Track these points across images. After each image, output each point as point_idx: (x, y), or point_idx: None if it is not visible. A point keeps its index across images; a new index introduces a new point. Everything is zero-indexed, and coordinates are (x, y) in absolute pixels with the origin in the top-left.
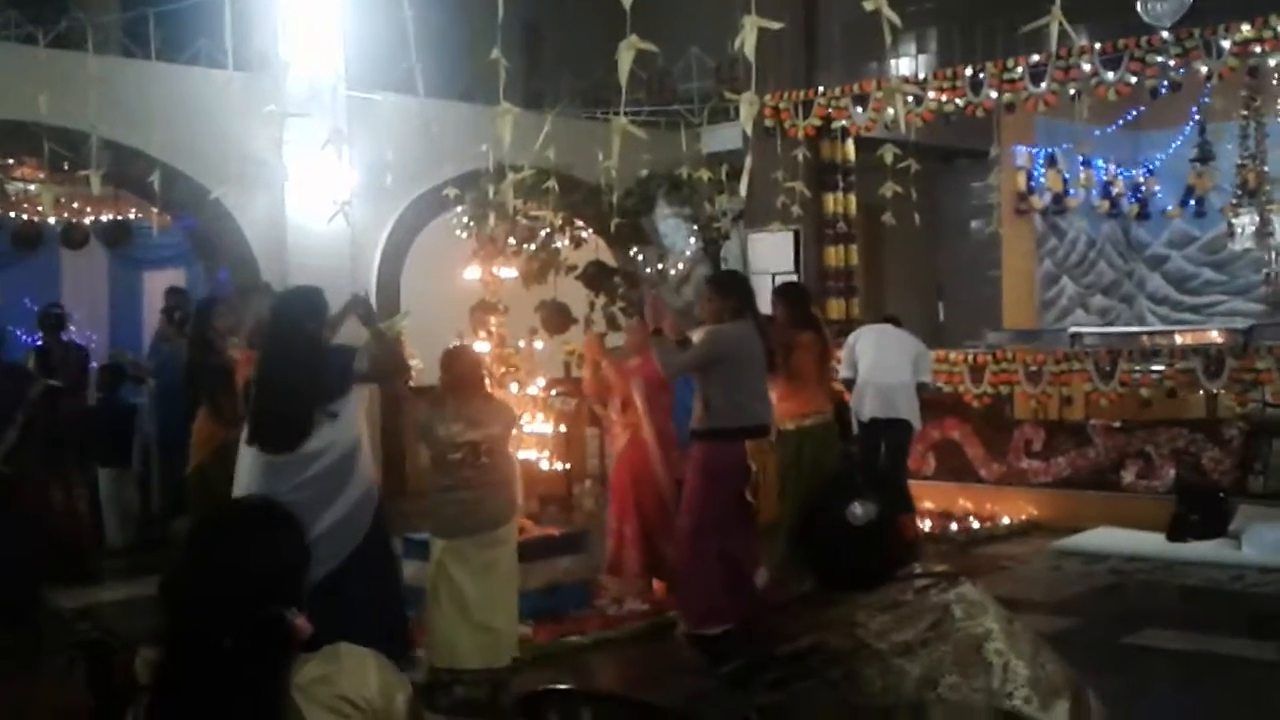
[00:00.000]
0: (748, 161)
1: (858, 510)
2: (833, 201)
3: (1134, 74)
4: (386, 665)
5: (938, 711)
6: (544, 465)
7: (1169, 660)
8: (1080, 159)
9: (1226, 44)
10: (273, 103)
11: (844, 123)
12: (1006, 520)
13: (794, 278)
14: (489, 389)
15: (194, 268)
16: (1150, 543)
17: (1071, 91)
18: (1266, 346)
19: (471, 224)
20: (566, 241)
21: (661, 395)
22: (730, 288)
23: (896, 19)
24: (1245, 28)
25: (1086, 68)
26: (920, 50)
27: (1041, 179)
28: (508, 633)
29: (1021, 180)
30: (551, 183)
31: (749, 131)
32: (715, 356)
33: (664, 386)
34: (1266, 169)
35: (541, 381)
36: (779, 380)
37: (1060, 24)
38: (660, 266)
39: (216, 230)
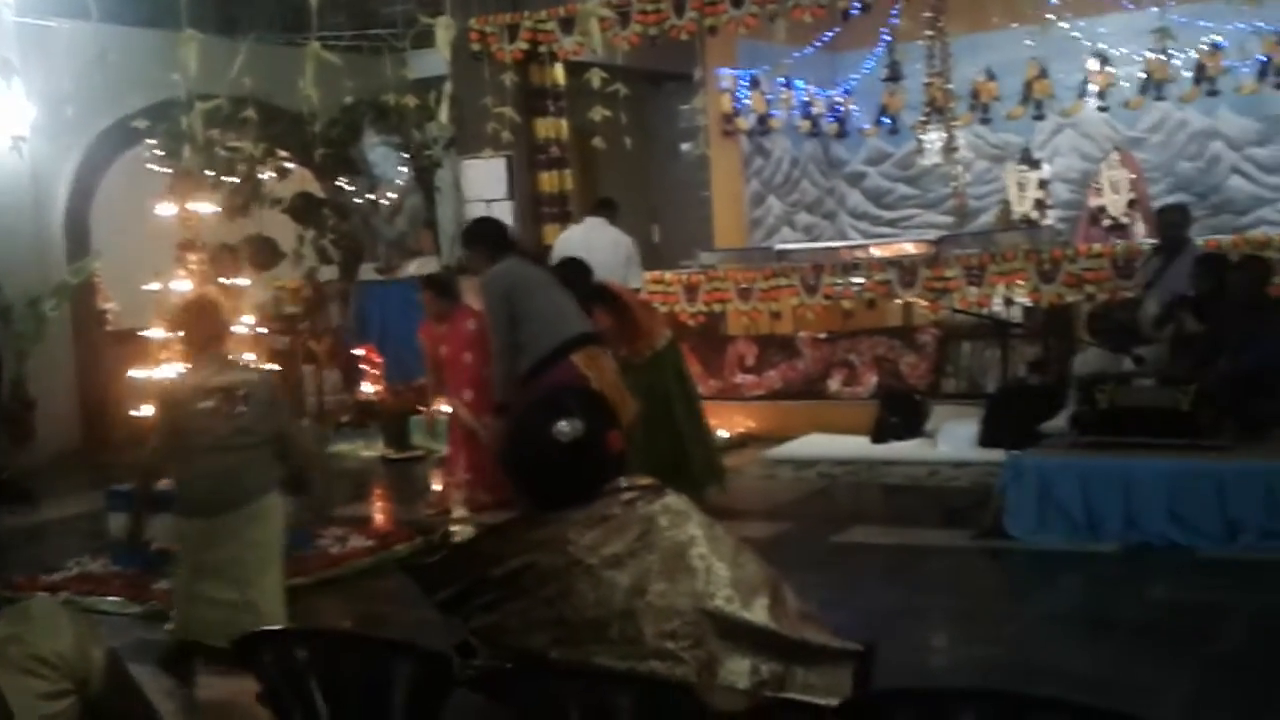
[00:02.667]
0: (447, 87)
1: (564, 428)
2: (544, 127)
3: None
4: (80, 619)
5: (647, 617)
6: None
7: (874, 555)
8: (781, 80)
9: None
10: None
11: (552, 46)
12: (725, 434)
13: (508, 204)
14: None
15: None
16: (856, 446)
17: (770, 14)
18: (955, 256)
19: (165, 157)
20: (270, 174)
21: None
22: (474, 236)
23: None
24: None
25: None
26: None
27: (746, 101)
28: (274, 609)
29: (727, 102)
30: (250, 112)
31: (447, 56)
32: (501, 297)
33: (467, 347)
34: (951, 87)
35: (249, 319)
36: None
37: None
38: (371, 197)
39: None
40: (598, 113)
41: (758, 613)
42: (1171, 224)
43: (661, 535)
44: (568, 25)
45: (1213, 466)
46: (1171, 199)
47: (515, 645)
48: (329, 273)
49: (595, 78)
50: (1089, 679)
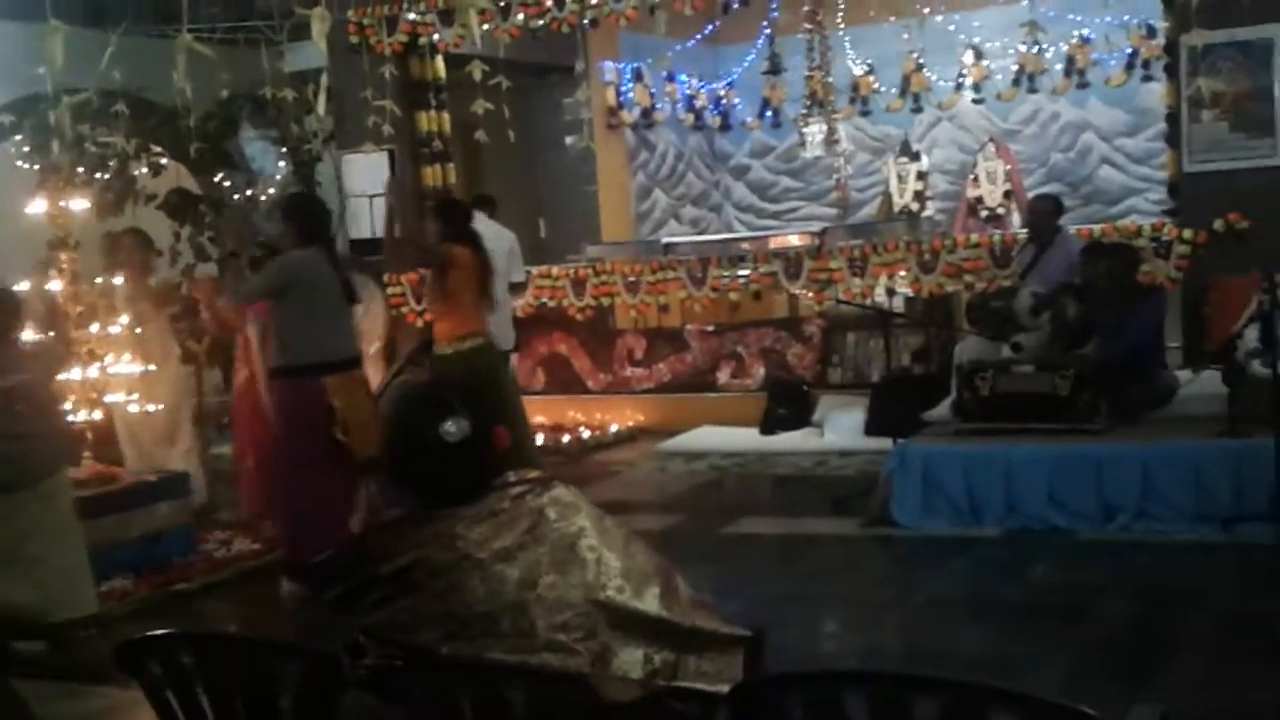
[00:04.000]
0: (324, 80)
1: (451, 427)
2: (426, 120)
3: None
4: None
5: (538, 610)
6: (133, 408)
7: (764, 544)
8: (664, 74)
9: None
10: None
11: (432, 39)
12: (615, 427)
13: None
14: (33, 332)
15: None
16: (745, 438)
17: (650, 6)
18: (838, 247)
19: (33, 153)
20: (144, 170)
21: None
22: (293, 212)
23: None
24: None
25: None
26: None
27: (630, 94)
28: (78, 581)
29: (611, 95)
30: (120, 106)
31: (323, 48)
32: (278, 285)
33: None
34: (831, 80)
35: (125, 319)
36: (435, 301)
37: None
38: (250, 192)
39: None
40: (480, 106)
41: (649, 602)
42: (1039, 213)
43: (550, 528)
44: (447, 18)
45: (1089, 450)
46: (1045, 189)
47: (406, 642)
48: (209, 269)
49: (476, 70)
50: (973, 659)
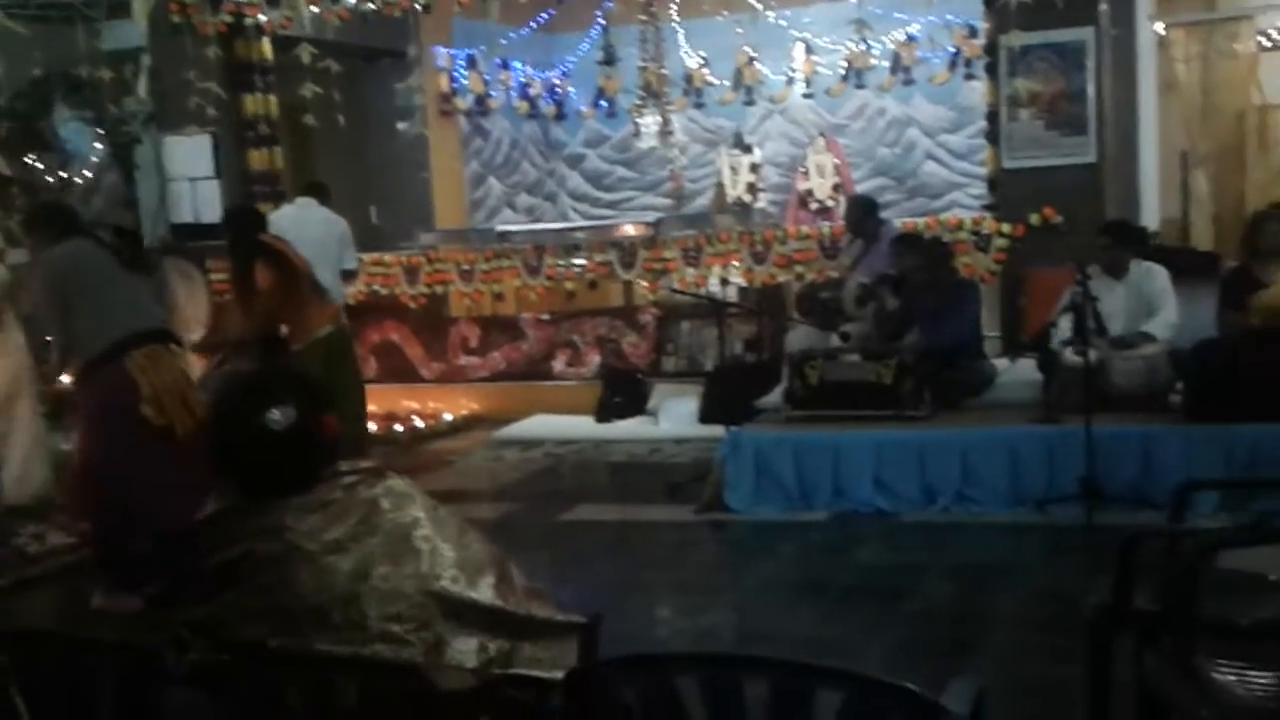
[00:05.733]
0: (144, 60)
1: (276, 416)
2: (252, 103)
3: None
4: None
5: (371, 601)
6: None
7: (599, 531)
8: (498, 61)
9: None
10: None
11: (260, 19)
12: (449, 416)
13: (215, 183)
14: None
15: None
16: (580, 426)
17: None
18: (673, 237)
19: None
20: None
21: None
22: (39, 222)
23: None
24: None
25: None
26: None
27: (463, 80)
28: None
29: (444, 81)
30: None
31: (144, 27)
32: (52, 284)
33: None
34: (665, 71)
35: None
36: (276, 316)
37: None
38: (64, 175)
39: None
40: (308, 89)
41: (484, 591)
42: (849, 218)
43: (384, 518)
44: None
45: (913, 436)
46: (872, 183)
47: (233, 637)
48: (18, 256)
49: (305, 53)
50: (802, 639)
